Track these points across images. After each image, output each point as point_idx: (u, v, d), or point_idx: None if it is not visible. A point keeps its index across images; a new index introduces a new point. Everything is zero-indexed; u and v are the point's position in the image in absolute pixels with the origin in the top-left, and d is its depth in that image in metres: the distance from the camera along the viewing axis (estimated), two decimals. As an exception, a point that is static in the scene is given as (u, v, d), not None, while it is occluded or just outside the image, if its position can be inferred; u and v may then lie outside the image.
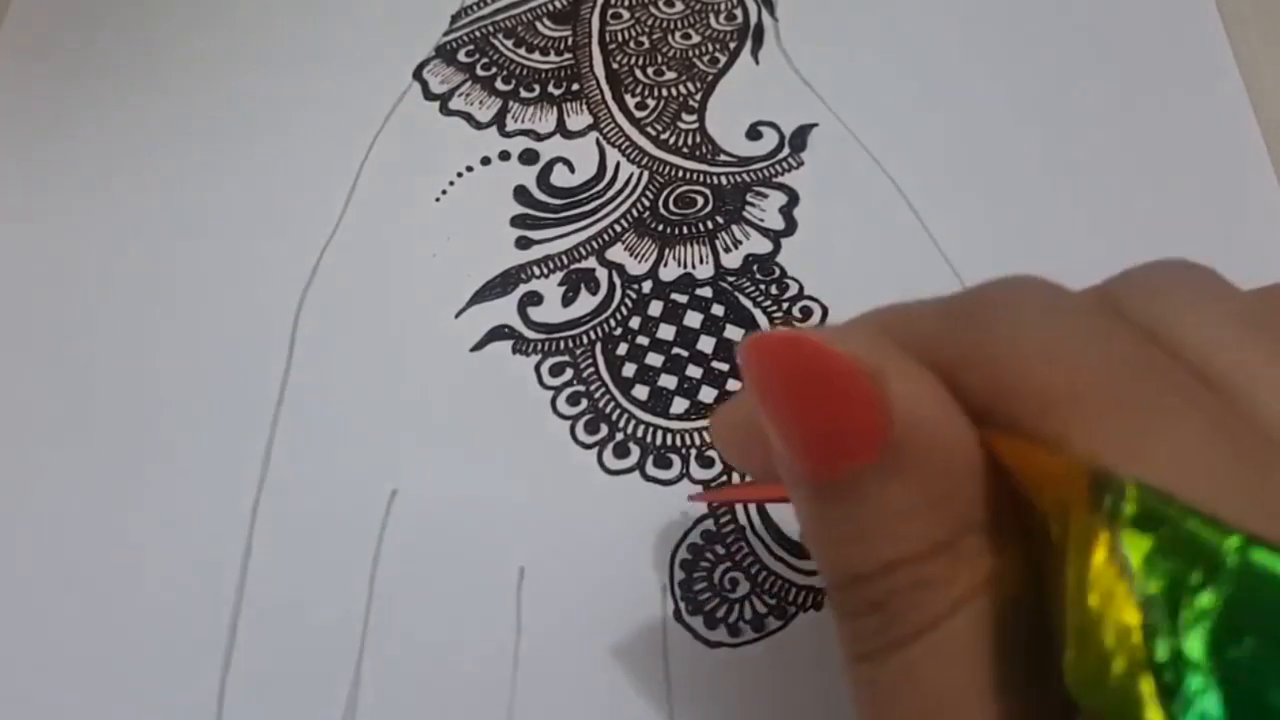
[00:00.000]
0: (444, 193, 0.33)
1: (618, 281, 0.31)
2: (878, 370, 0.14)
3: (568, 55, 0.35)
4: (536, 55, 0.35)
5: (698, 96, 0.34)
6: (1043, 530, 0.14)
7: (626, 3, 0.36)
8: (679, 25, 0.36)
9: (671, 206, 0.32)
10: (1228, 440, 0.13)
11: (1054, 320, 0.15)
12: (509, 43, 0.36)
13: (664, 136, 0.33)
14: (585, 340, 0.30)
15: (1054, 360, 0.14)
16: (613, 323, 0.30)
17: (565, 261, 0.31)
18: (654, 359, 0.29)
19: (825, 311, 0.30)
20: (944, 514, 0.14)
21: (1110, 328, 0.15)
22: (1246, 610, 0.11)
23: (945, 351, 0.15)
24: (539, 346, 0.30)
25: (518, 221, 0.32)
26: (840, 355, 0.14)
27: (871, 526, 0.15)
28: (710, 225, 0.32)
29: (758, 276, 0.31)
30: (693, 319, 0.30)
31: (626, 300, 0.30)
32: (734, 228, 0.32)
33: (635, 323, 0.30)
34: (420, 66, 0.35)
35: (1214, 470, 0.13)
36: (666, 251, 0.31)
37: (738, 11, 0.36)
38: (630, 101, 0.34)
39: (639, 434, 0.28)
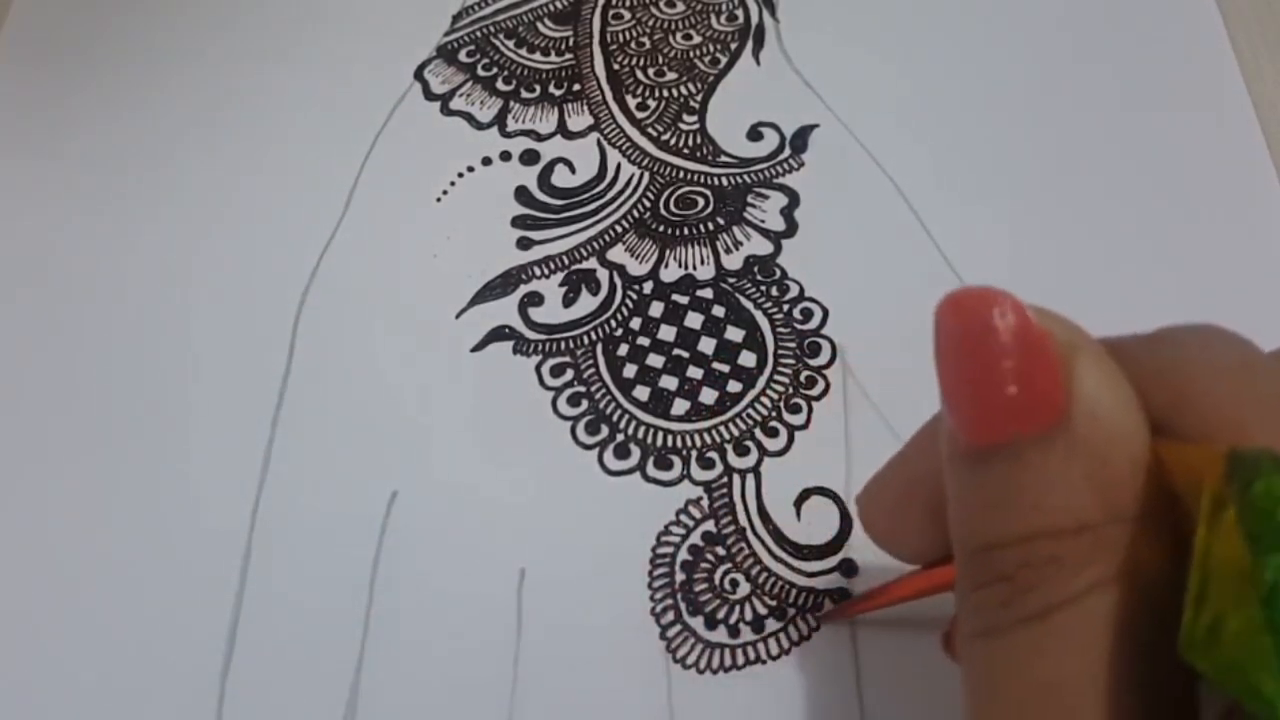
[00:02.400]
0: (445, 193, 0.33)
1: (619, 282, 0.31)
2: (1070, 344, 0.15)
3: (569, 56, 0.35)
4: (537, 55, 0.35)
5: (699, 97, 0.34)
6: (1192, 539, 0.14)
7: (628, 3, 0.36)
8: (680, 26, 0.36)
9: (672, 207, 0.32)
10: None
11: (1239, 352, 0.16)
12: (510, 43, 0.36)
13: (665, 137, 0.33)
14: (586, 341, 0.30)
15: (1238, 386, 0.15)
16: (614, 323, 0.30)
17: (566, 262, 0.31)
18: (655, 360, 0.29)
19: (826, 312, 0.30)
20: (1096, 496, 0.14)
21: None
22: None
23: (1135, 362, 0.15)
24: (540, 347, 0.30)
25: (519, 222, 0.32)
26: (1037, 321, 0.15)
27: (1020, 494, 0.15)
28: (711, 226, 0.32)
29: (759, 278, 0.31)
30: (694, 320, 0.30)
31: (627, 301, 0.30)
32: (735, 229, 0.32)
33: (636, 324, 0.30)
34: (421, 67, 0.35)
35: None
36: (667, 252, 0.31)
37: (739, 12, 0.36)
38: (631, 102, 0.34)
39: (640, 435, 0.28)
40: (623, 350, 0.30)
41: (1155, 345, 0.16)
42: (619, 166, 0.33)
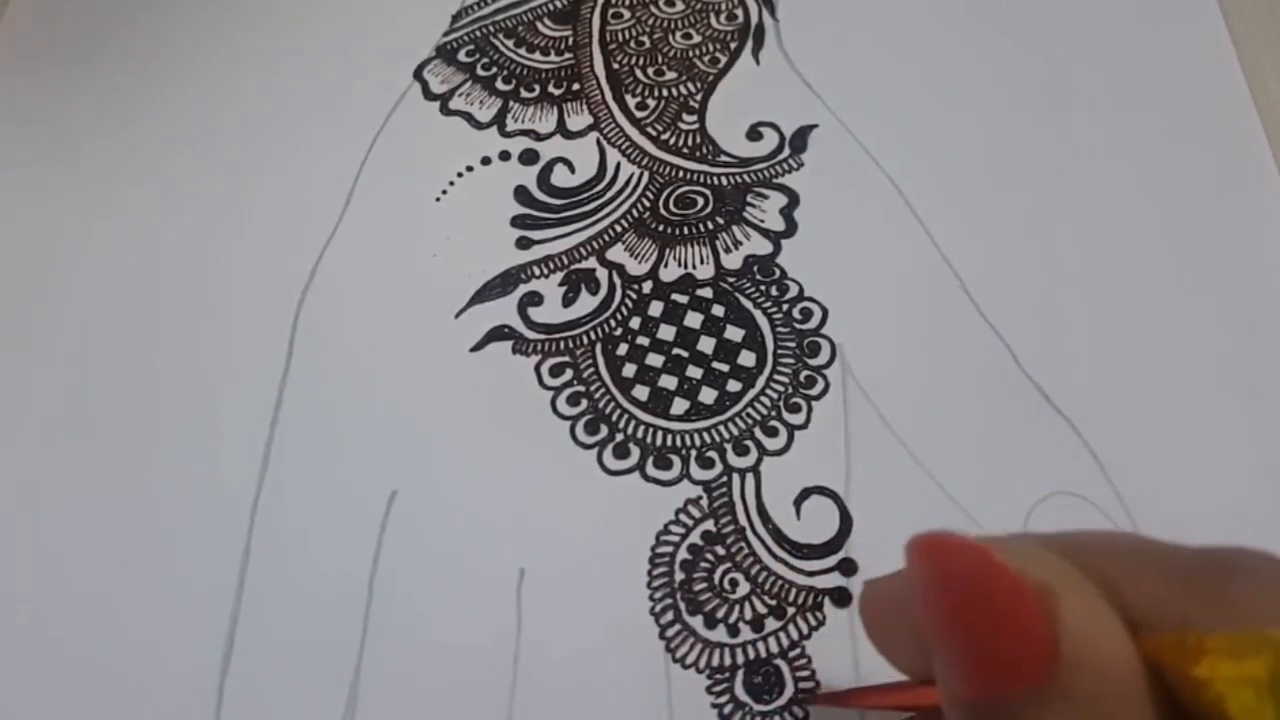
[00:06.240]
0: (444, 193, 0.33)
1: (618, 282, 0.31)
2: (1049, 590, 0.14)
3: (568, 55, 0.35)
4: (537, 55, 0.35)
5: (698, 97, 0.34)
6: None
7: (627, 2, 0.36)
8: (680, 25, 0.36)
9: (672, 207, 0.32)
10: None
11: None
12: (509, 42, 0.36)
13: (664, 137, 0.33)
14: (585, 341, 0.30)
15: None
16: (613, 323, 0.30)
17: (565, 262, 0.31)
18: (654, 359, 0.29)
19: (825, 312, 0.30)
20: None
21: None
22: None
23: (1191, 594, 0.15)
24: (539, 347, 0.30)
25: (518, 222, 0.32)
26: (1011, 570, 0.14)
27: None
28: (711, 226, 0.32)
29: (758, 277, 0.31)
30: (693, 319, 0.30)
31: (627, 301, 0.30)
32: (734, 228, 0.32)
33: (635, 323, 0.30)
34: (421, 66, 0.35)
35: None
36: (667, 252, 0.31)
37: (738, 11, 0.36)
38: (631, 101, 0.34)
39: (639, 434, 0.28)
40: (622, 350, 0.30)
41: (1214, 572, 0.15)
42: (618, 166, 0.33)
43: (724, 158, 0.33)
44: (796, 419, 0.29)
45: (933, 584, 0.15)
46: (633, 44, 0.36)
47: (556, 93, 0.35)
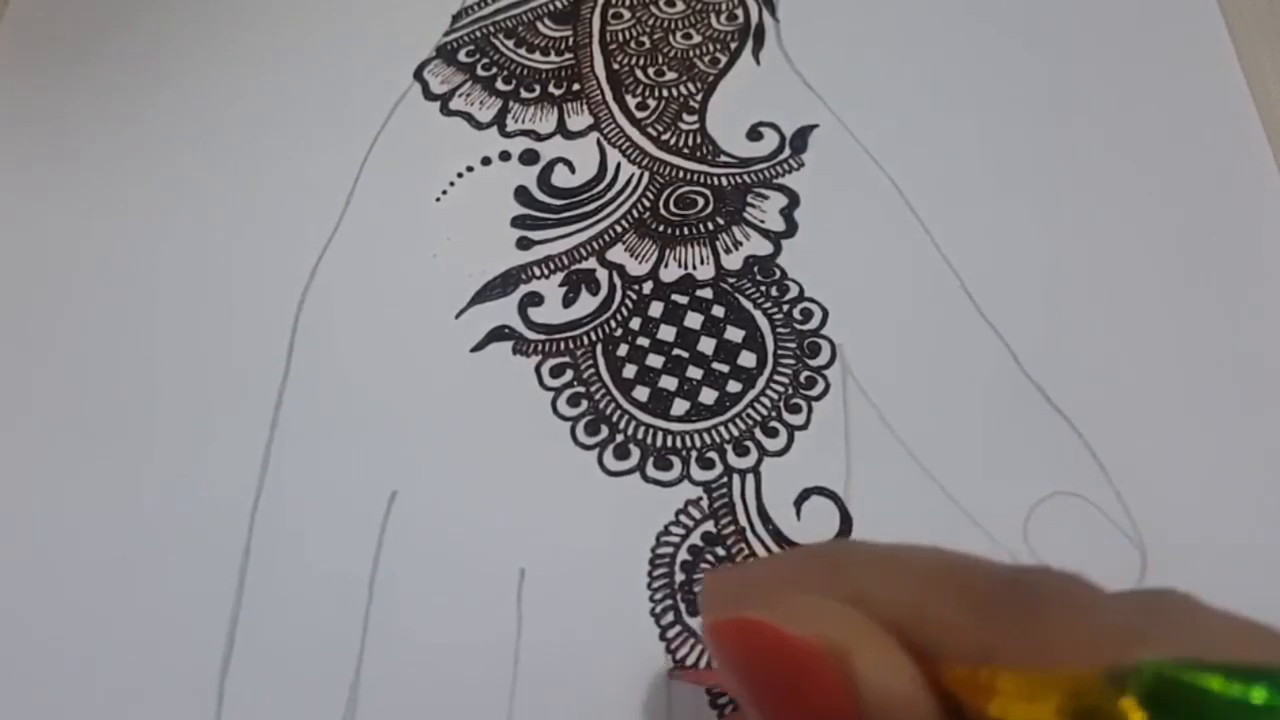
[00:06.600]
0: (444, 193, 0.33)
1: (618, 282, 0.31)
2: (842, 649, 0.14)
3: (568, 55, 0.35)
4: (537, 55, 0.35)
5: (698, 97, 0.34)
6: None
7: (627, 2, 0.36)
8: (680, 25, 0.36)
9: (672, 207, 0.32)
10: None
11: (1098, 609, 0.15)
12: (510, 43, 0.36)
13: (665, 137, 0.33)
14: (586, 341, 0.30)
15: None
16: (613, 324, 0.30)
17: (566, 262, 0.31)
18: (654, 360, 0.29)
19: (825, 313, 0.30)
20: None
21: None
22: None
23: (993, 623, 0.15)
24: (539, 347, 0.30)
25: (518, 222, 0.32)
26: (802, 641, 0.14)
27: None
28: (711, 226, 0.32)
29: (758, 278, 0.31)
30: (693, 320, 0.30)
31: (627, 301, 0.30)
32: (735, 229, 0.32)
33: (636, 324, 0.30)
34: (421, 66, 0.35)
35: None
36: (667, 252, 0.31)
37: (739, 12, 0.36)
38: (631, 102, 0.34)
39: (639, 435, 0.28)
40: (622, 350, 0.30)
41: (1022, 604, 0.15)
42: (619, 166, 0.33)
43: (724, 158, 0.33)
44: (797, 420, 0.29)
45: (733, 664, 0.15)
46: (633, 44, 0.36)
47: (557, 93, 0.35)
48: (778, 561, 0.19)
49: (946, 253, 0.31)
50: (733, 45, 0.35)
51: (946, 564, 0.16)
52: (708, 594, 0.17)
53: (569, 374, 0.29)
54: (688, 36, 0.36)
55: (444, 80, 0.35)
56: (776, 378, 0.29)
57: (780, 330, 0.30)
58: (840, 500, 0.27)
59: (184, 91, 0.35)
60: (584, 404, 0.29)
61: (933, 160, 0.33)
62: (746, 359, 0.29)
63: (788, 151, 0.33)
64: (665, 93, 0.34)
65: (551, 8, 0.36)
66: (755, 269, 0.31)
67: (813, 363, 0.29)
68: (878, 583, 0.15)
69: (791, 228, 0.32)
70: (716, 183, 0.33)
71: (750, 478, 0.28)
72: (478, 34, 0.36)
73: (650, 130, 0.34)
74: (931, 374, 0.29)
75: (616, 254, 0.31)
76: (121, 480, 0.28)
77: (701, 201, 0.32)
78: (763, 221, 0.32)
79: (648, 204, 0.32)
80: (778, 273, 0.31)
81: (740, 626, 0.15)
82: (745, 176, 0.33)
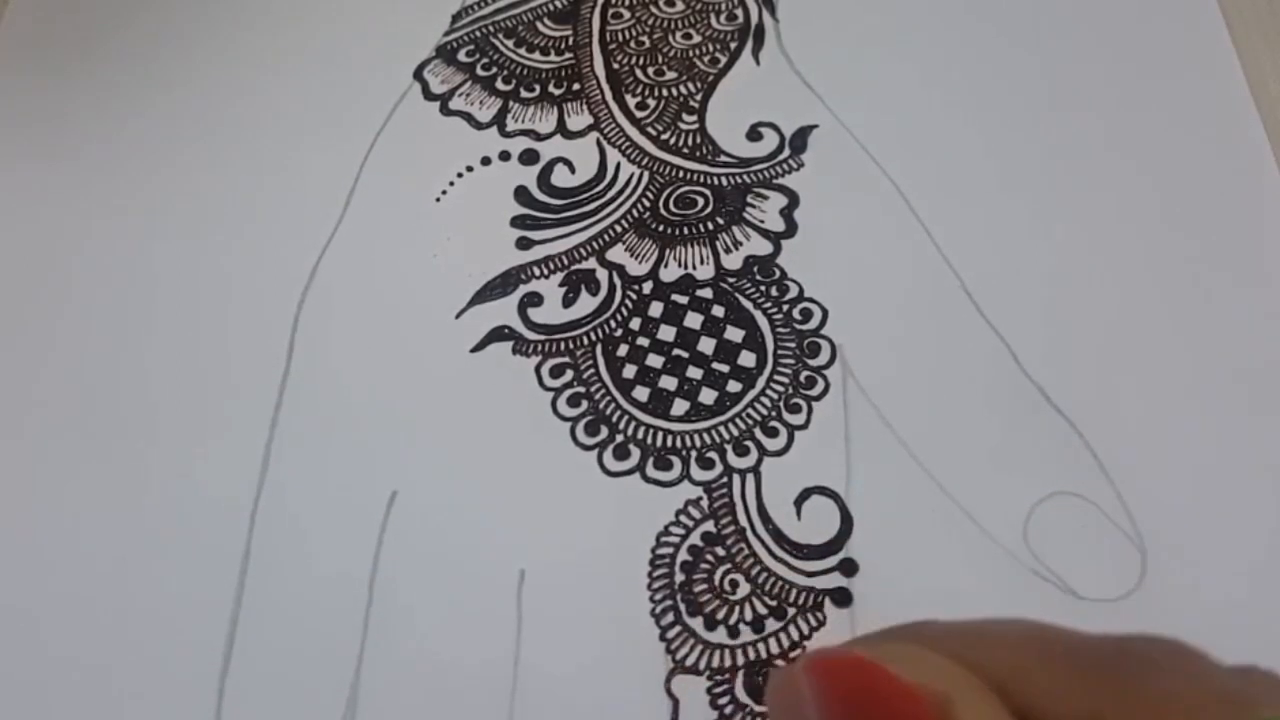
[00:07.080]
0: (444, 193, 0.33)
1: (618, 282, 0.31)
2: (946, 700, 0.14)
3: (568, 55, 0.35)
4: (537, 55, 0.35)
5: (698, 97, 0.34)
6: None
7: (627, 2, 0.36)
8: (680, 25, 0.36)
9: (672, 207, 0.32)
10: None
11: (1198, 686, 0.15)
12: (509, 42, 0.36)
13: (664, 137, 0.33)
14: (586, 341, 0.30)
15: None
16: (613, 324, 0.30)
17: (566, 262, 0.31)
18: (654, 360, 0.29)
19: (825, 313, 0.30)
20: None
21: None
22: None
23: (1102, 689, 0.14)
24: (539, 347, 0.30)
25: (518, 222, 0.32)
26: (906, 684, 0.14)
27: None
28: (711, 226, 0.32)
29: (758, 277, 0.31)
30: (693, 320, 0.30)
31: (627, 301, 0.30)
32: (734, 229, 0.32)
33: (636, 324, 0.30)
34: (421, 66, 0.35)
35: None
36: (667, 252, 0.31)
37: (739, 12, 0.36)
38: (631, 101, 0.34)
39: (639, 435, 0.28)
40: (622, 350, 0.30)
41: (1122, 671, 0.15)
42: (619, 166, 0.33)
43: (724, 158, 0.33)
44: (797, 419, 0.29)
45: (829, 706, 0.15)
46: (633, 44, 0.35)
47: (556, 93, 0.34)
48: (864, 638, 0.18)
49: (946, 253, 0.31)
50: (732, 45, 0.35)
51: (1043, 631, 0.16)
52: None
53: (569, 374, 0.29)
54: (687, 36, 0.36)
55: (444, 80, 0.35)
56: (776, 378, 0.29)
57: (780, 330, 0.30)
58: (840, 500, 0.27)
59: (183, 91, 0.35)
60: (584, 404, 0.29)
61: (933, 160, 0.33)
62: (746, 359, 0.29)
63: (787, 151, 0.33)
64: (665, 92, 0.34)
65: (551, 7, 0.36)
66: (755, 269, 0.31)
67: (813, 363, 0.29)
68: (973, 647, 0.15)
69: (791, 228, 0.32)
70: (716, 183, 0.33)
71: (750, 477, 0.28)
72: (477, 34, 0.36)
73: (650, 130, 0.34)
74: (931, 374, 0.29)
75: (616, 254, 0.31)
76: (122, 480, 0.28)
77: (701, 201, 0.32)
78: (762, 221, 0.32)
79: (648, 204, 0.32)
80: (778, 273, 0.31)
81: (843, 664, 0.15)
82: (745, 176, 0.33)
